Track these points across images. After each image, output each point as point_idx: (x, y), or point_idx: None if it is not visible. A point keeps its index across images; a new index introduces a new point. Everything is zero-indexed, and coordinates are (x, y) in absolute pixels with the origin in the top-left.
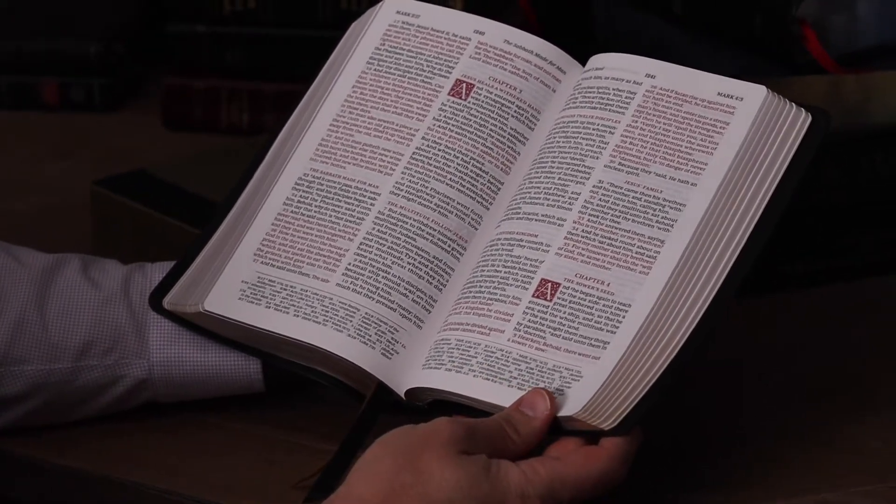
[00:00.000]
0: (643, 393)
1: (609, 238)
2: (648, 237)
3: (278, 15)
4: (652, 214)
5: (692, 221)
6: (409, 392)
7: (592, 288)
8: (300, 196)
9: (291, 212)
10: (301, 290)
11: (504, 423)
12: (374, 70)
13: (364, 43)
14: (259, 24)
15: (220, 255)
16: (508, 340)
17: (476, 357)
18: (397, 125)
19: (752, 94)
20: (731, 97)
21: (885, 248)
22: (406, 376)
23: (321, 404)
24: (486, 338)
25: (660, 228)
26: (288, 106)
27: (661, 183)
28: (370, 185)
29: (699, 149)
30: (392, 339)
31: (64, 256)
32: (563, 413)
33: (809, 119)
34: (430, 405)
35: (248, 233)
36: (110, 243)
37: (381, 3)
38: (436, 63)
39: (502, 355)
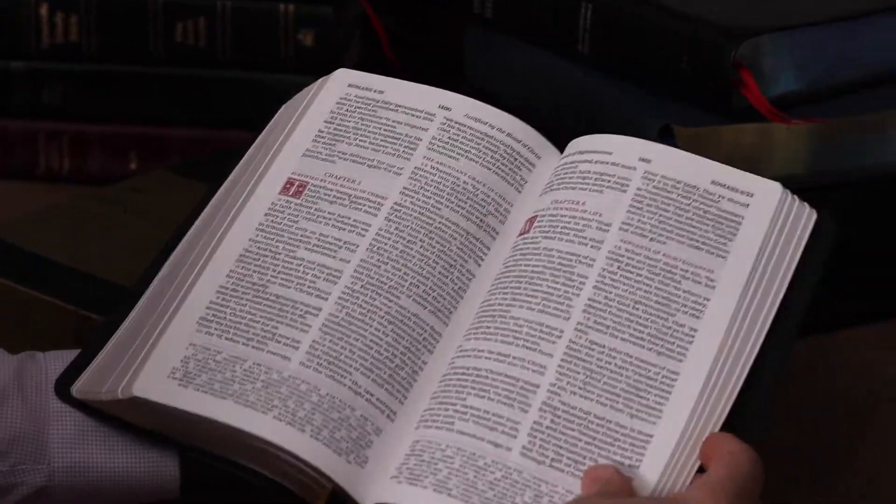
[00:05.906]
0: None
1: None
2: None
3: (104, 48)
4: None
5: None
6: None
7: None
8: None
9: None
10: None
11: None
12: None
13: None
14: (82, 58)
15: (140, 339)
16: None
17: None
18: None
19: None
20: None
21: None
22: (374, 485)
23: None
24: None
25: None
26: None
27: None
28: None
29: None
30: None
31: None
32: None
33: (815, 216)
34: None
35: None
36: None
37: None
38: None
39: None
